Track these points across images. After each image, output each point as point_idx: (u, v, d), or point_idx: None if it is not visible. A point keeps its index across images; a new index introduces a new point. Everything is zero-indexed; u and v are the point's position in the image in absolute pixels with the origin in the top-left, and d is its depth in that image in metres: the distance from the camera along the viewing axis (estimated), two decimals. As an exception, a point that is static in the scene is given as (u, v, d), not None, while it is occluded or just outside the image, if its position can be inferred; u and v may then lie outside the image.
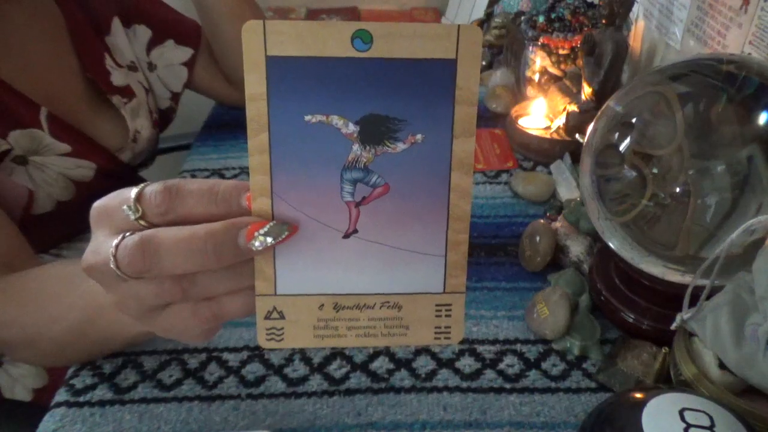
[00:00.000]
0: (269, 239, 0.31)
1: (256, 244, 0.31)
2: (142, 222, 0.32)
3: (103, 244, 0.33)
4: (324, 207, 0.32)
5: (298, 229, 0.32)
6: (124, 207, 0.32)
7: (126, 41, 0.85)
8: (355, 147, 0.31)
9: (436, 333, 0.35)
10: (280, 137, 0.31)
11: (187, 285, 0.33)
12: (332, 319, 0.34)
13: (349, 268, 0.33)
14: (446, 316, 0.35)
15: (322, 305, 0.34)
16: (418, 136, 0.31)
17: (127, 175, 0.86)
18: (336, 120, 0.31)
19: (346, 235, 0.33)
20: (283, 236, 0.31)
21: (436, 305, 0.35)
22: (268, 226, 0.31)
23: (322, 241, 0.33)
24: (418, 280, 0.34)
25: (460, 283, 0.34)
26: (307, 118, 0.31)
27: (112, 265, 0.32)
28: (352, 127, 0.31)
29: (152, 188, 0.32)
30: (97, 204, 0.34)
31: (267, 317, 0.34)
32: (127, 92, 0.83)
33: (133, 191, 0.33)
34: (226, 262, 0.32)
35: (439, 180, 0.32)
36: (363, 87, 0.30)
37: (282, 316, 0.34)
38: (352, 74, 0.30)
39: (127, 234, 0.32)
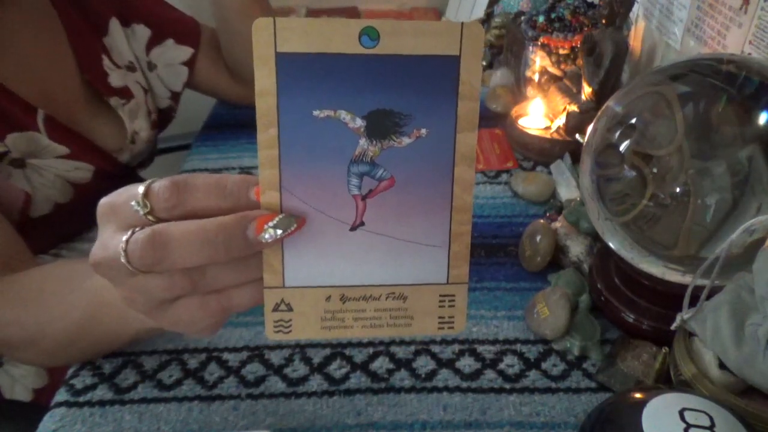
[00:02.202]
0: (278, 231, 0.32)
1: (266, 236, 0.32)
2: (150, 217, 0.33)
3: (112, 239, 0.33)
4: (331, 200, 0.33)
5: (306, 222, 0.33)
6: (132, 203, 0.33)
7: (124, 41, 0.85)
8: (362, 141, 0.32)
9: (439, 323, 0.36)
10: (289, 132, 0.31)
11: (196, 278, 0.33)
12: (339, 310, 0.35)
13: (355, 260, 0.34)
14: (449, 306, 0.36)
15: (329, 297, 0.35)
16: (423, 131, 0.32)
17: (126, 176, 0.85)
18: (343, 115, 0.31)
19: (353, 228, 0.33)
20: (292, 228, 0.32)
21: (440, 295, 0.35)
22: (277, 218, 0.32)
23: (329, 234, 0.33)
24: (423, 271, 0.35)
25: (463, 273, 0.35)
26: (316, 113, 0.31)
27: (122, 260, 0.32)
28: (359, 122, 0.32)
29: (160, 183, 0.33)
30: (104, 200, 0.35)
31: (275, 309, 0.34)
32: (125, 93, 0.82)
33: (141, 187, 0.33)
34: (236, 254, 0.32)
35: (443, 173, 0.33)
36: (370, 83, 0.31)
37: (290, 308, 0.35)
38: (359, 70, 0.31)
39: (137, 229, 0.32)
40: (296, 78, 0.30)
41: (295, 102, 0.31)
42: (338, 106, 0.31)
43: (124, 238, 0.32)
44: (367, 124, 0.31)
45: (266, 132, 0.31)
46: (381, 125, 0.32)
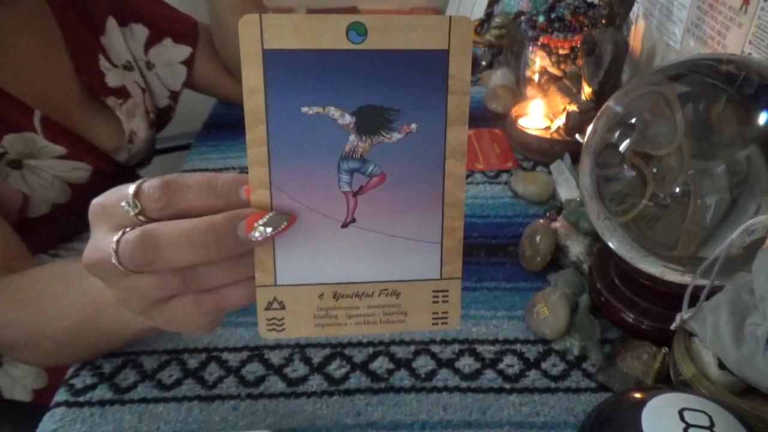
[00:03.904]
0: (269, 230, 0.32)
1: (256, 234, 0.32)
2: (141, 217, 0.33)
3: (104, 240, 0.33)
4: (322, 197, 0.33)
5: (297, 219, 0.32)
6: (123, 203, 0.33)
7: (121, 41, 0.85)
8: (352, 137, 0.32)
9: (434, 318, 0.36)
10: (278, 129, 0.31)
11: (188, 277, 0.33)
12: (332, 307, 0.35)
13: (347, 257, 0.34)
14: (443, 301, 0.36)
15: (322, 294, 0.35)
16: (413, 126, 0.32)
17: (124, 176, 0.85)
18: (333, 111, 0.31)
19: (344, 225, 0.33)
20: (282, 226, 0.32)
21: (434, 291, 0.35)
22: (267, 216, 0.32)
23: (320, 231, 0.33)
24: (416, 267, 0.35)
25: (456, 268, 0.35)
26: (304, 109, 0.31)
27: (113, 261, 0.32)
28: (348, 118, 0.31)
29: (150, 183, 0.33)
30: (96, 201, 0.35)
31: (267, 308, 0.34)
32: (122, 93, 0.82)
33: (131, 187, 0.33)
34: (227, 253, 0.32)
35: (434, 168, 0.33)
36: (358, 78, 0.31)
37: (282, 306, 0.34)
38: (348, 66, 0.31)
39: (128, 230, 0.32)
40: (284, 75, 0.30)
41: (283, 99, 0.31)
42: (327, 103, 0.31)
43: (115, 238, 0.32)
44: (356, 120, 0.31)
45: (255, 130, 0.31)
46: (370, 121, 0.32)
